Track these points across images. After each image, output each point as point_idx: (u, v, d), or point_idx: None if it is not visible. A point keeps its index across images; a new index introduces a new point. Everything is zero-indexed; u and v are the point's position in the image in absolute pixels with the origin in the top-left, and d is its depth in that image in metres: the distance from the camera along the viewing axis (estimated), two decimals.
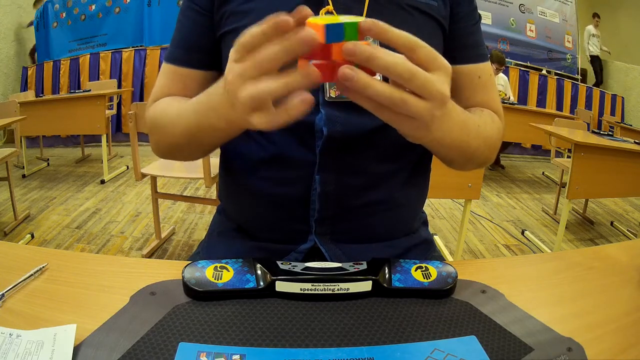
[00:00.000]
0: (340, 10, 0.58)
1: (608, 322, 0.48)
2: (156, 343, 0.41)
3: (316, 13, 0.58)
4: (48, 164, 4.00)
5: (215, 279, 0.48)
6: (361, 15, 0.59)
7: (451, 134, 0.50)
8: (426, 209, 0.78)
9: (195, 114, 0.52)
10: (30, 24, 4.94)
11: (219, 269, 0.50)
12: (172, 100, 0.64)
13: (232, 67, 0.39)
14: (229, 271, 0.50)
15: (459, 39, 0.66)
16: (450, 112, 0.47)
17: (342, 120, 0.59)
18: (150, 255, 2.28)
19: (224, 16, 0.62)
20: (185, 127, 0.55)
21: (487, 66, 0.69)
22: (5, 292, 0.46)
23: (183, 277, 0.49)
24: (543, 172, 4.59)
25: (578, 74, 5.82)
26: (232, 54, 0.39)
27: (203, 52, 0.66)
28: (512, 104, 4.25)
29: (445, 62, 0.40)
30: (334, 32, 0.37)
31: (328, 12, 0.58)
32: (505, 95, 4.39)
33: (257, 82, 0.38)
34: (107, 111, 3.66)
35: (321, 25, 0.36)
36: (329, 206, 0.63)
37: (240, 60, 0.38)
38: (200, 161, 2.02)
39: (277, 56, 0.37)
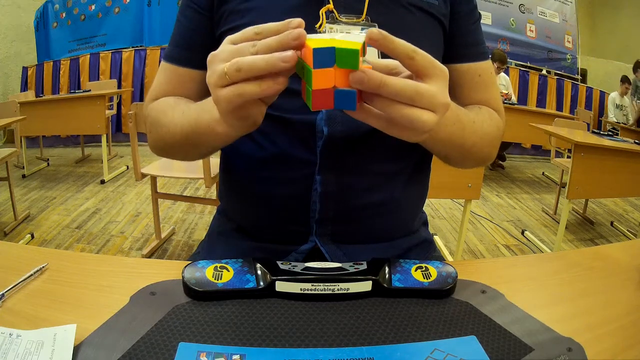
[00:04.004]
0: (341, 9, 0.58)
1: (608, 322, 0.48)
2: (156, 343, 0.41)
3: (317, 11, 0.58)
4: (48, 164, 4.00)
5: (215, 279, 0.48)
6: (361, 14, 0.59)
7: (445, 128, 0.50)
8: (426, 209, 0.78)
9: (198, 114, 0.53)
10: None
11: (219, 269, 0.50)
12: (177, 100, 0.64)
13: (216, 65, 0.41)
14: (229, 271, 0.50)
15: (459, 38, 0.66)
16: None
17: (343, 120, 0.59)
18: (150, 255, 2.28)
19: (224, 15, 0.62)
20: (186, 128, 0.56)
21: (487, 64, 0.69)
22: (5, 292, 0.46)
23: (183, 277, 0.49)
24: (543, 172, 4.59)
25: (578, 74, 5.82)
26: (222, 48, 0.41)
27: (202, 52, 0.65)
28: (512, 104, 4.25)
29: (442, 67, 0.40)
30: (326, 57, 0.35)
31: (329, 12, 0.58)
32: (507, 93, 4.38)
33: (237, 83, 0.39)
34: (107, 111, 3.66)
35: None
36: (329, 207, 0.63)
37: (227, 59, 0.39)
38: (200, 161, 2.02)
39: (258, 67, 0.38)
